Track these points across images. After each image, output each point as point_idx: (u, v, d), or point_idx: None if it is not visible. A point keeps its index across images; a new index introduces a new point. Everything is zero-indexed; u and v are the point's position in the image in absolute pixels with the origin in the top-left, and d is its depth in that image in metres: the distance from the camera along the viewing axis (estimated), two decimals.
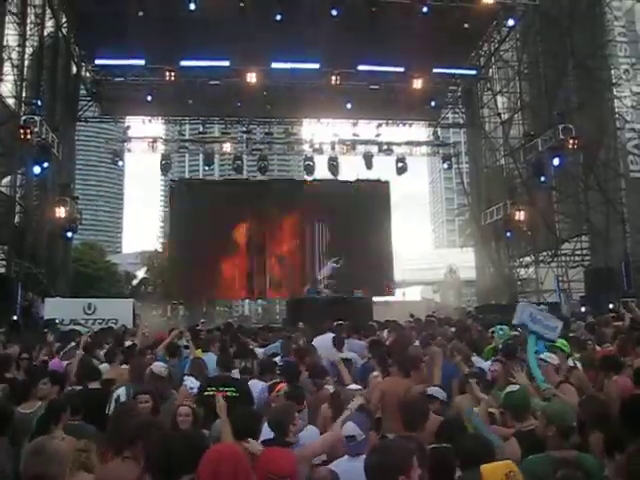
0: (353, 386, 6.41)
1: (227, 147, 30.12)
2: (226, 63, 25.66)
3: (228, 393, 6.14)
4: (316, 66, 26.11)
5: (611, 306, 17.19)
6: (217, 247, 29.54)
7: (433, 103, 29.40)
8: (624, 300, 17.21)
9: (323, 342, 9.64)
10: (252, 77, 24.95)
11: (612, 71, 24.02)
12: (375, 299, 24.03)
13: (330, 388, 6.72)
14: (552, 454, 4.00)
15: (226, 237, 29.80)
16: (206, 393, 6.27)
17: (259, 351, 9.88)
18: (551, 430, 4.13)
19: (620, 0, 24.64)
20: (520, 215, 25.52)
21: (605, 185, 22.97)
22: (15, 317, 19.54)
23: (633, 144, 23.68)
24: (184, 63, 25.36)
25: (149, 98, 26.56)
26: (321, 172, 30.85)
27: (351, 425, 4.52)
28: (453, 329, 12.16)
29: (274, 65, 25.95)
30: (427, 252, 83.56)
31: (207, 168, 33.13)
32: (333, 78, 25.56)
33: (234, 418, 4.76)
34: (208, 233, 29.17)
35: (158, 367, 6.99)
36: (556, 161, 23.15)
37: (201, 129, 29.99)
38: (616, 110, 23.71)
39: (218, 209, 29.35)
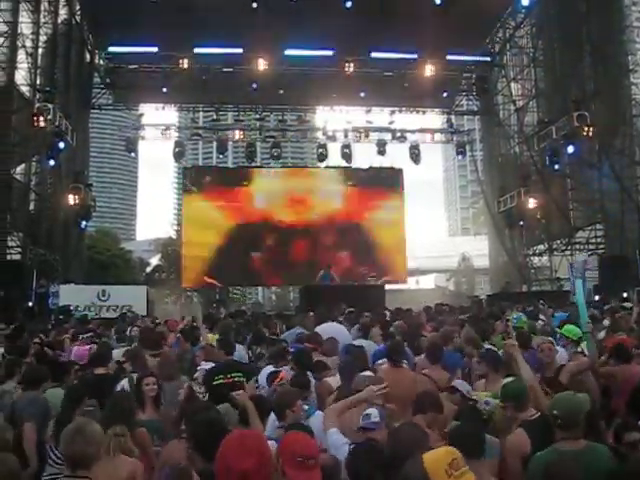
0: (367, 373, 6.39)
1: (240, 134, 30.13)
2: (239, 50, 25.63)
3: (235, 379, 6.16)
4: (330, 53, 26.06)
5: (625, 295, 17.04)
6: (231, 234, 29.57)
7: (447, 90, 29.25)
8: (639, 289, 17.12)
9: (332, 330, 9.62)
10: (265, 64, 24.94)
11: (629, 57, 23.73)
12: (388, 287, 24.02)
13: (333, 379, 6.72)
14: (557, 447, 3.99)
15: (240, 224, 29.81)
16: (214, 382, 6.28)
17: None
18: (556, 421, 4.13)
19: None
20: (534, 203, 25.41)
21: (620, 173, 22.75)
22: (30, 303, 19.73)
23: None
24: (198, 50, 25.38)
25: (162, 86, 26.60)
26: (334, 159, 30.85)
27: (371, 408, 4.57)
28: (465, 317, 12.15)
29: (287, 52, 25.92)
30: (441, 240, 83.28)
31: (221, 156, 33.03)
32: (347, 65, 25.51)
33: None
34: (222, 220, 29.25)
35: None
36: (570, 149, 22.96)
37: (214, 116, 29.96)
38: (632, 97, 23.45)
39: (232, 197, 29.43)
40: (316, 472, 3.36)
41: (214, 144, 33.11)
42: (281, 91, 27.90)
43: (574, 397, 4.34)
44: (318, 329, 9.76)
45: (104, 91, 28.66)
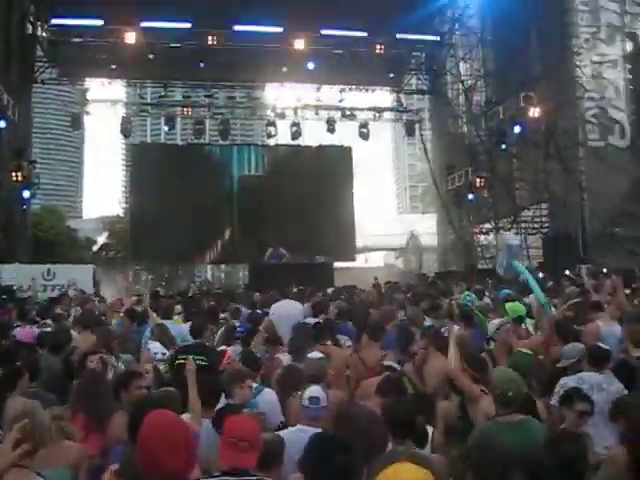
0: (316, 353, 6.39)
1: (189, 111, 29.66)
2: (188, 25, 25.13)
3: (197, 361, 6.11)
4: (279, 29, 25.75)
5: (567, 272, 17.44)
6: (180, 212, 29.24)
7: (396, 69, 29.28)
8: (580, 266, 17.59)
9: (286, 308, 9.63)
10: (214, 40, 24.54)
11: (573, 40, 24.06)
12: (337, 265, 24.12)
13: (284, 357, 6.73)
14: (498, 419, 4.10)
15: (189, 202, 29.50)
16: (177, 362, 6.22)
17: None
18: (495, 396, 4.23)
19: None
20: (481, 182, 25.73)
21: (564, 153, 23.18)
22: None
23: (591, 113, 23.80)
24: (144, 24, 24.76)
25: (109, 60, 25.95)
26: (283, 137, 30.68)
27: (316, 388, 4.55)
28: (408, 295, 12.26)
29: (237, 27, 25.50)
30: (390, 218, 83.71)
31: (169, 132, 32.56)
32: (296, 42, 25.27)
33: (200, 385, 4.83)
34: (170, 198, 28.91)
35: None
36: (517, 129, 23.32)
37: (163, 93, 29.44)
38: (576, 79, 23.83)
39: (180, 173, 29.08)
40: (250, 455, 3.35)
41: (162, 120, 32.55)
42: (230, 68, 27.49)
43: (512, 377, 4.42)
44: (273, 307, 9.79)
45: (47, 65, 27.78)
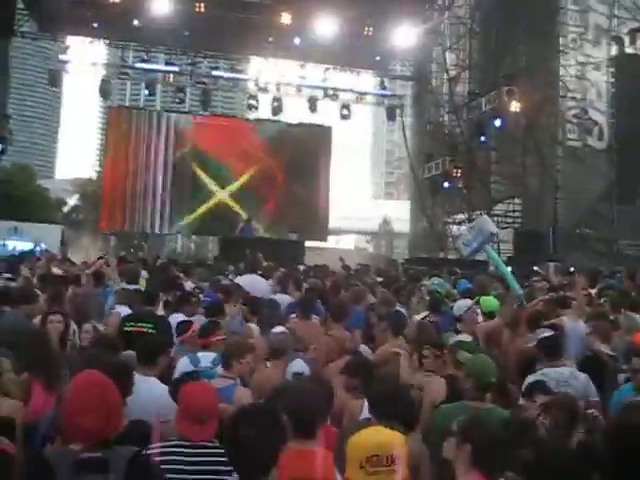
0: (279, 328, 6.32)
1: (170, 77, 29.14)
2: None
3: (144, 329, 6.03)
4: (269, 1, 25.37)
5: (535, 268, 17.56)
6: (154, 179, 28.97)
7: (382, 53, 29.02)
8: (548, 264, 17.74)
9: (252, 282, 9.56)
10: (201, 7, 24.10)
11: (561, 39, 24.17)
12: (308, 244, 24.04)
13: (254, 327, 6.70)
14: (466, 403, 4.07)
15: (164, 170, 29.23)
16: (125, 329, 6.15)
17: None
18: (469, 383, 4.19)
19: None
20: (457, 172, 25.76)
21: (543, 150, 23.35)
22: None
23: (572, 113, 24.05)
24: None
25: (92, 19, 25.31)
26: (264, 112, 30.40)
27: (301, 363, 4.53)
28: (380, 279, 12.23)
29: None
30: (364, 202, 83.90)
31: (148, 97, 32.11)
32: (284, 15, 24.91)
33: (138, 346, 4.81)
34: (146, 164, 28.60)
35: None
36: (498, 122, 23.33)
37: (145, 57, 28.92)
38: (560, 78, 23.97)
39: (158, 140, 28.75)
40: (209, 426, 3.27)
41: (142, 85, 32.01)
42: (215, 38, 27.01)
43: (487, 364, 4.44)
44: (239, 280, 9.71)
45: (28, 18, 27.08)
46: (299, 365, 4.63)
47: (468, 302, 7.28)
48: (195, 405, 3.33)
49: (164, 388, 4.43)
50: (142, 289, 8.45)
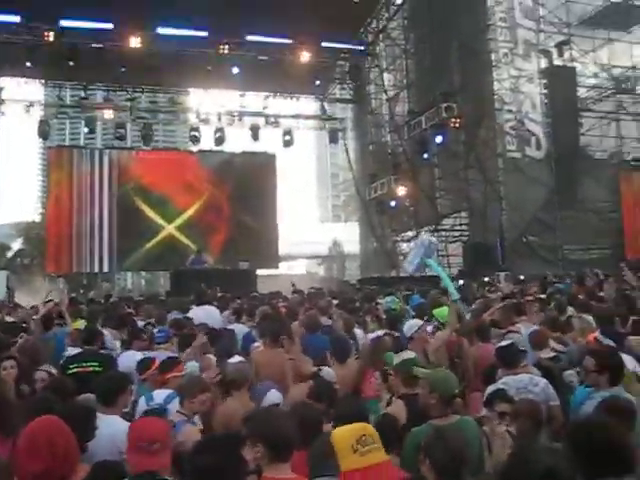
0: (236, 358, 6.28)
1: (110, 114, 28.86)
2: (110, 26, 24.48)
3: (91, 369, 5.92)
4: (204, 34, 25.44)
5: (486, 279, 17.85)
6: (100, 218, 28.54)
7: (321, 78, 29.28)
8: (497, 273, 18.08)
9: (205, 313, 9.51)
10: (137, 42, 24.02)
11: (492, 54, 24.82)
12: (260, 272, 23.97)
13: (212, 358, 6.63)
14: (434, 423, 4.07)
15: (109, 208, 28.83)
16: (69, 372, 6.02)
17: None
18: (434, 398, 4.20)
19: None
20: (403, 191, 26.06)
21: (484, 164, 23.83)
22: None
23: (510, 125, 24.65)
24: (65, 23, 23.98)
25: (26, 59, 24.90)
26: (207, 143, 30.31)
27: (276, 393, 4.51)
28: (336, 301, 12.25)
29: (160, 31, 25.04)
30: (313, 226, 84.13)
31: (89, 135, 31.73)
32: (221, 47, 25.03)
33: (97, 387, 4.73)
34: (90, 203, 28.20)
35: None
36: (439, 139, 23.69)
37: (83, 94, 28.58)
38: (495, 92, 24.58)
39: (101, 178, 28.41)
40: (157, 458, 3.24)
41: (82, 123, 31.59)
42: (153, 71, 26.87)
43: (449, 377, 4.49)
44: (191, 312, 9.65)
45: None
46: (275, 396, 4.59)
47: (418, 322, 7.32)
48: (140, 436, 3.32)
49: (127, 425, 4.35)
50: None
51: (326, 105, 32.11)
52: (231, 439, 3.18)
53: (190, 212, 29.88)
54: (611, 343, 6.14)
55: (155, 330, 8.44)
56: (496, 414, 4.57)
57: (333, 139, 32.17)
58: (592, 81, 27.94)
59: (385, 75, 29.24)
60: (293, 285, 15.46)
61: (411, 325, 7.18)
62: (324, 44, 27.22)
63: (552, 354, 6.43)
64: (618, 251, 24.97)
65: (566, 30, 25.83)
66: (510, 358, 5.63)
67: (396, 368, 5.16)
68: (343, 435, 2.93)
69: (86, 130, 30.13)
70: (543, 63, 25.79)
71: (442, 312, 7.60)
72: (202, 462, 2.85)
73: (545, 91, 25.38)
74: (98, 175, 28.67)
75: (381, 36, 29.03)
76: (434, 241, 8.07)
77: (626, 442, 2.94)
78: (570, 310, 8.65)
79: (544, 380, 5.38)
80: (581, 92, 27.10)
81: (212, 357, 6.84)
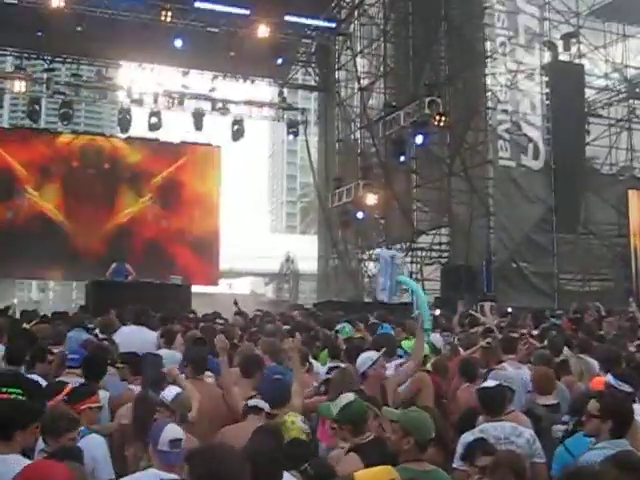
0: (172, 389, 6.21)
1: (22, 86, 28.37)
2: None
3: (12, 396, 5.80)
4: None
5: (461, 309, 17.95)
6: (6, 215, 28.01)
7: (282, 58, 29.23)
8: (481, 303, 18.09)
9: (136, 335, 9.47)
10: (60, 1, 23.74)
11: (487, 43, 24.85)
12: (195, 289, 23.79)
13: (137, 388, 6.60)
14: (409, 467, 4.09)
15: (17, 203, 28.31)
16: None
17: None
18: (408, 442, 4.22)
19: None
20: (373, 199, 26.00)
21: (471, 172, 23.90)
22: None
23: (504, 128, 24.52)
24: None
25: None
26: (139, 129, 30.06)
27: (177, 428, 4.47)
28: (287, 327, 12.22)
29: None
30: (261, 237, 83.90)
31: None
32: (163, 13, 24.90)
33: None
34: None
35: None
36: (419, 139, 23.80)
37: None
38: (489, 87, 24.61)
39: (8, 166, 27.94)
40: None
41: None
42: (77, 39, 26.45)
43: (424, 418, 4.52)
44: (119, 333, 9.56)
45: None
46: (176, 430, 4.55)
47: (373, 355, 7.05)
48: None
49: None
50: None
51: (285, 92, 32.13)
52: None
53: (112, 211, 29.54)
54: (628, 389, 5.91)
55: (65, 351, 8.33)
56: (476, 469, 4.59)
57: (292, 132, 32.17)
58: (602, 82, 28.24)
59: (358, 60, 29.24)
60: (236, 304, 15.29)
61: (364, 360, 6.92)
62: (287, 18, 27.24)
63: (554, 401, 6.48)
64: (624, 283, 25.22)
65: (574, 20, 25.94)
66: (495, 403, 5.64)
67: (337, 419, 5.08)
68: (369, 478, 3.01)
69: None
70: (547, 57, 25.78)
71: (410, 344, 7.64)
72: None
73: (547, 90, 25.38)
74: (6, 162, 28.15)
75: (356, 13, 29.16)
76: (396, 254, 8.17)
77: None
78: (565, 350, 8.75)
79: (529, 431, 5.41)
80: (589, 94, 27.32)
81: (135, 388, 6.80)
